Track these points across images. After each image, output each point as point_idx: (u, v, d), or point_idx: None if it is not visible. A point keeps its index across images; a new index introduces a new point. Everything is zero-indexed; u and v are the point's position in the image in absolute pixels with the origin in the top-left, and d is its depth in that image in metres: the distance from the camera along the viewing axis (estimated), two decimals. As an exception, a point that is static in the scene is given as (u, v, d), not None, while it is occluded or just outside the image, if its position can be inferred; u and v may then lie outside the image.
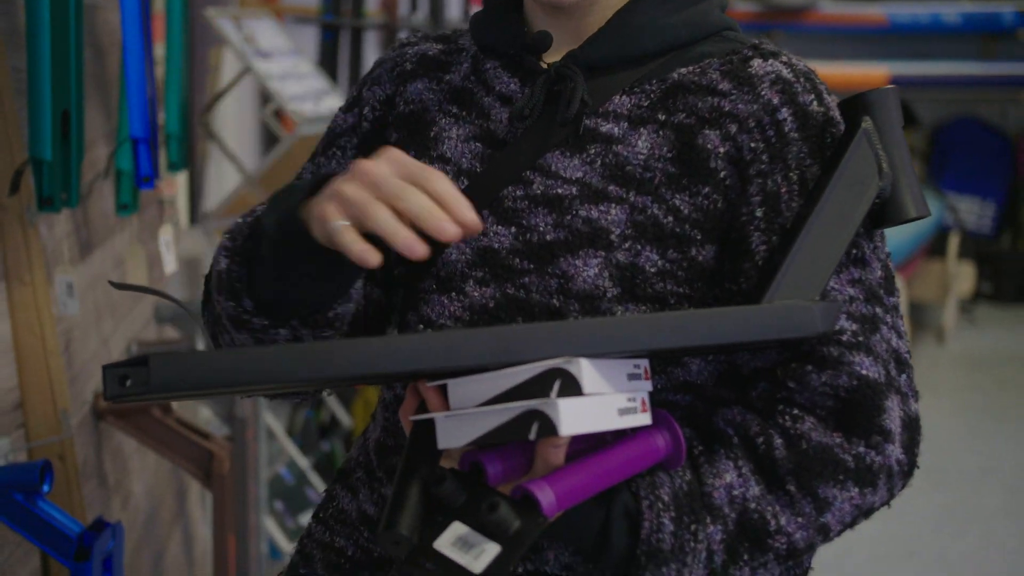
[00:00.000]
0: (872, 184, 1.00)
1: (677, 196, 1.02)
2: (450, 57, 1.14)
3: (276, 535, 2.92)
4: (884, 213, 1.02)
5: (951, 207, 6.72)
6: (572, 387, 0.85)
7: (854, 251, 1.01)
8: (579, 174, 1.03)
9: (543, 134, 1.05)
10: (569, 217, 1.02)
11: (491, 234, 1.04)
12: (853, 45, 7.08)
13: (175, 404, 2.11)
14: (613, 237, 1.01)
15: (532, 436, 0.86)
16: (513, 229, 1.03)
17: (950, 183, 7.07)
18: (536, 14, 1.10)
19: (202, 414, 2.74)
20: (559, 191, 1.03)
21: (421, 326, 1.07)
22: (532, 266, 1.02)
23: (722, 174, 1.02)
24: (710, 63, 1.06)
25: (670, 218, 1.01)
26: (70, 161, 1.63)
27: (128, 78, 1.79)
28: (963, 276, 6.15)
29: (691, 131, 1.03)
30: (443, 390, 0.91)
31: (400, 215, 0.87)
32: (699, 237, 1.02)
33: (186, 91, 2.22)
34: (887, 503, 1.01)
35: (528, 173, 1.05)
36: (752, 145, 1.02)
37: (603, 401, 0.87)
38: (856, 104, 1.03)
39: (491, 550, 0.85)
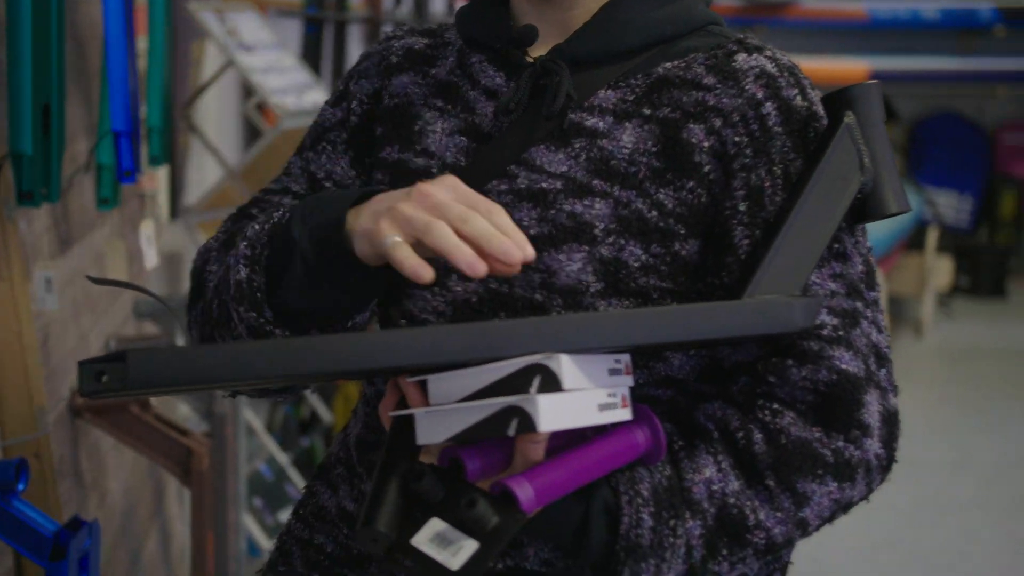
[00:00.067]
0: (854, 179, 1.01)
1: (661, 190, 1.02)
2: (436, 51, 1.14)
3: (255, 532, 2.91)
4: (865, 208, 1.03)
5: (930, 201, 6.75)
6: (552, 383, 0.85)
7: (836, 246, 1.02)
8: (564, 168, 1.03)
9: (528, 128, 1.05)
10: (553, 212, 1.02)
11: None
12: (834, 40, 7.12)
13: (154, 400, 2.10)
14: (597, 232, 1.01)
15: (511, 432, 0.86)
16: (497, 223, 1.03)
17: (928, 177, 7.12)
18: (522, 8, 1.09)
19: (181, 410, 2.73)
20: (543, 185, 1.03)
21: (403, 321, 1.07)
22: (516, 261, 1.02)
23: (706, 168, 1.02)
24: (695, 57, 1.06)
25: (654, 213, 1.01)
26: (50, 155, 1.62)
27: (110, 71, 1.77)
28: (941, 270, 6.19)
29: (676, 125, 1.03)
30: (423, 386, 0.91)
31: (462, 238, 0.88)
32: (683, 231, 1.02)
33: (168, 84, 2.20)
34: (866, 497, 1.01)
35: (513, 167, 1.05)
36: (736, 139, 1.02)
37: (583, 397, 0.87)
38: (839, 99, 1.03)
39: (469, 547, 0.85)
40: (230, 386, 0.99)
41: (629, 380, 0.93)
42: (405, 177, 1.09)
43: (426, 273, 0.87)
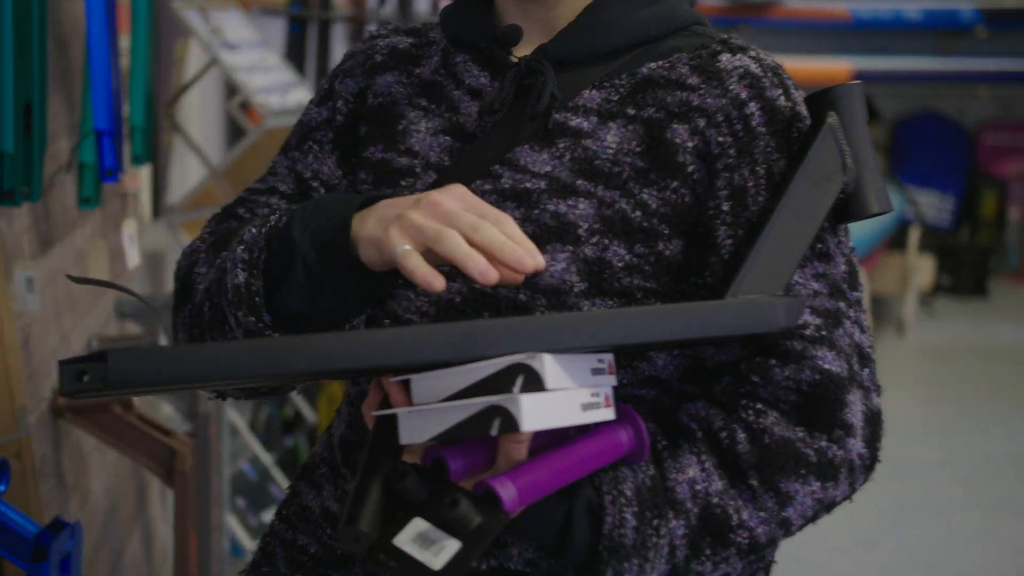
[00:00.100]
0: (836, 179, 1.01)
1: (645, 190, 1.02)
2: (420, 50, 1.14)
3: (238, 532, 2.90)
4: (848, 208, 1.03)
5: (912, 201, 6.78)
6: (535, 383, 0.85)
7: (818, 246, 1.02)
8: (548, 168, 1.03)
9: (512, 128, 1.05)
10: (537, 211, 1.02)
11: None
12: (817, 40, 7.14)
13: (136, 400, 2.09)
14: (581, 232, 1.01)
15: (494, 432, 0.85)
16: (481, 223, 1.03)
17: (910, 177, 7.15)
18: (506, 8, 1.09)
19: (164, 410, 2.71)
20: (527, 185, 1.03)
21: (387, 321, 1.06)
22: (499, 261, 1.02)
23: (690, 168, 1.02)
24: (679, 58, 1.06)
25: (638, 212, 1.02)
26: (32, 154, 1.61)
27: (92, 70, 1.77)
28: (923, 269, 6.22)
29: (660, 125, 1.03)
30: (406, 385, 0.90)
31: (473, 247, 0.88)
32: (666, 231, 1.02)
33: (151, 83, 2.19)
34: (849, 497, 1.01)
35: (497, 167, 1.05)
36: (720, 139, 1.02)
37: (566, 396, 0.87)
38: (822, 99, 1.03)
39: (451, 546, 0.85)
40: (212, 386, 0.99)
41: (612, 380, 0.93)
42: (388, 176, 1.09)
43: (437, 282, 0.87)
